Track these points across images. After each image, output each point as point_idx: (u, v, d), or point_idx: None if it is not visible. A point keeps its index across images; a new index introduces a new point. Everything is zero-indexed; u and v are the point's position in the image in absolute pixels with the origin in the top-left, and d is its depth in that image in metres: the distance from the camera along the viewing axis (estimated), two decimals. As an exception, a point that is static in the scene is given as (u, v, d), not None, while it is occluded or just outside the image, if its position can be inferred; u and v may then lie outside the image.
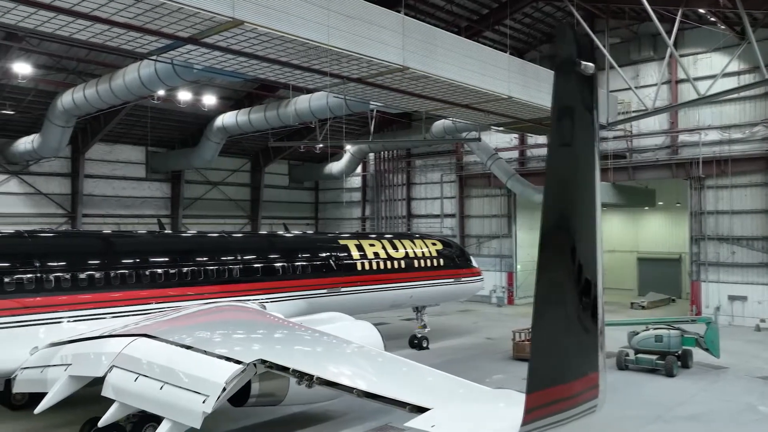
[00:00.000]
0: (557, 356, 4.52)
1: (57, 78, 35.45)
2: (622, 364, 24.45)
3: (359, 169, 57.19)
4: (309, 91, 32.58)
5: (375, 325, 17.81)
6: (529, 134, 42.36)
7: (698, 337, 24.44)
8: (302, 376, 10.21)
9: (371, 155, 56.22)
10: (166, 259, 18.90)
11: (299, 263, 22.19)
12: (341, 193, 60.02)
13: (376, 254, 25.12)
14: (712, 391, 21.80)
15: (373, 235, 28.61)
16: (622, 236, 53.83)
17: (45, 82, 35.25)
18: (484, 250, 49.09)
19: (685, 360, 24.35)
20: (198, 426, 10.90)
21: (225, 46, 19.62)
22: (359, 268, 24.36)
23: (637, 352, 24.48)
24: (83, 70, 35.28)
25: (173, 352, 12.26)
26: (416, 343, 28.43)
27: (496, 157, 44.32)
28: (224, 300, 18.97)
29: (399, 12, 23.16)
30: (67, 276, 16.37)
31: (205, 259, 19.75)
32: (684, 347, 24.34)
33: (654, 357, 23.96)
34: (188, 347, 12.23)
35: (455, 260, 28.93)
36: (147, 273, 18.03)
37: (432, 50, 23.37)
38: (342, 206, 60.14)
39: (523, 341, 26.06)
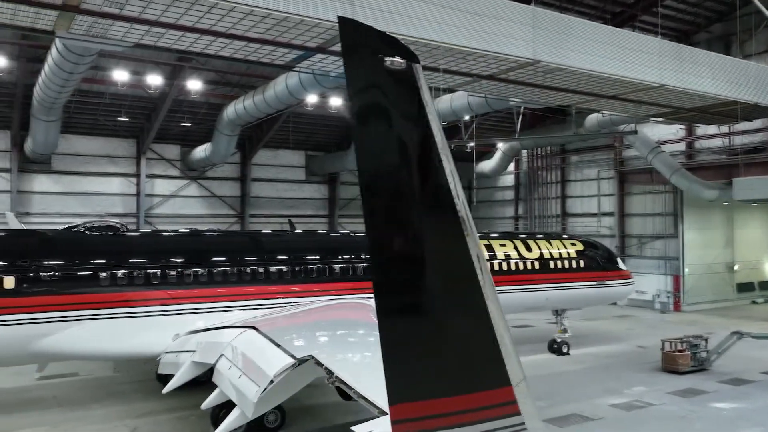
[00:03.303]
0: (427, 365, 4.10)
1: (223, 92, 39.26)
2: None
3: (511, 167, 55.92)
4: (450, 91, 32.57)
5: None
6: (696, 124, 38.44)
7: None
8: (330, 373, 10.36)
9: (524, 152, 54.68)
10: (296, 257, 20.11)
11: (424, 262, 22.26)
12: (493, 191, 59.12)
13: (506, 255, 24.40)
14: None
15: (509, 235, 27.76)
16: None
17: (213, 95, 39.19)
18: (646, 252, 45.42)
19: None
20: (249, 415, 11.49)
21: (350, 52, 20.45)
22: None
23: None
24: (245, 84, 38.64)
25: (261, 345, 13.02)
26: (555, 348, 27.10)
27: (658, 151, 40.78)
28: (349, 297, 19.69)
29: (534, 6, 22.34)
30: (206, 271, 18.14)
31: (332, 258, 20.68)
32: None
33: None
34: (274, 342, 12.87)
35: (599, 262, 27.10)
36: (277, 270, 19.33)
37: (565, 41, 22.24)
38: (494, 205, 59.22)
39: (673, 351, 23.76)
